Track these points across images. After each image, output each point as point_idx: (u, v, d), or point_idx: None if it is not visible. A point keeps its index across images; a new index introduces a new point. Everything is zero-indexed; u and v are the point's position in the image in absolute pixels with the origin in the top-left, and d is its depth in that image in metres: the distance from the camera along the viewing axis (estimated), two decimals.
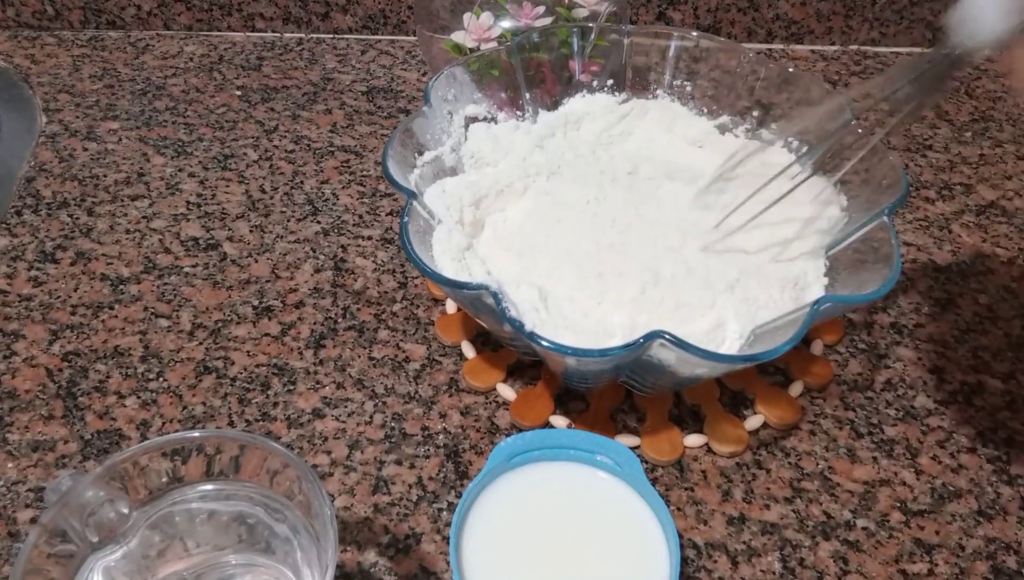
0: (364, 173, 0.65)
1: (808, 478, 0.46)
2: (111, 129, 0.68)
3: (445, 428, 0.48)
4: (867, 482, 0.46)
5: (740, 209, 0.49)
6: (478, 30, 0.59)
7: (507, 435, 0.47)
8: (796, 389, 0.50)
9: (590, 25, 0.57)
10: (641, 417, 0.49)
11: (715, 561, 0.43)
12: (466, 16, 0.59)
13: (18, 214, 0.60)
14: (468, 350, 0.52)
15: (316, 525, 0.33)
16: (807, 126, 0.52)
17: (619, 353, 0.40)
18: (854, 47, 0.80)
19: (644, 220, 0.51)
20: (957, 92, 0.74)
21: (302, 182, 0.63)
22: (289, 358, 0.51)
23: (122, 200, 0.62)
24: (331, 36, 0.79)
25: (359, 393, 0.50)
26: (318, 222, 0.60)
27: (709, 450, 0.47)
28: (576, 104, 0.58)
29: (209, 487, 0.36)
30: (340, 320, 0.54)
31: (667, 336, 0.39)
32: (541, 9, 0.59)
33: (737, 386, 0.50)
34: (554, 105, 0.58)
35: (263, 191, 0.63)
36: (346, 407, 0.49)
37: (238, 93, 0.72)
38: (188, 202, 0.62)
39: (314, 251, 0.58)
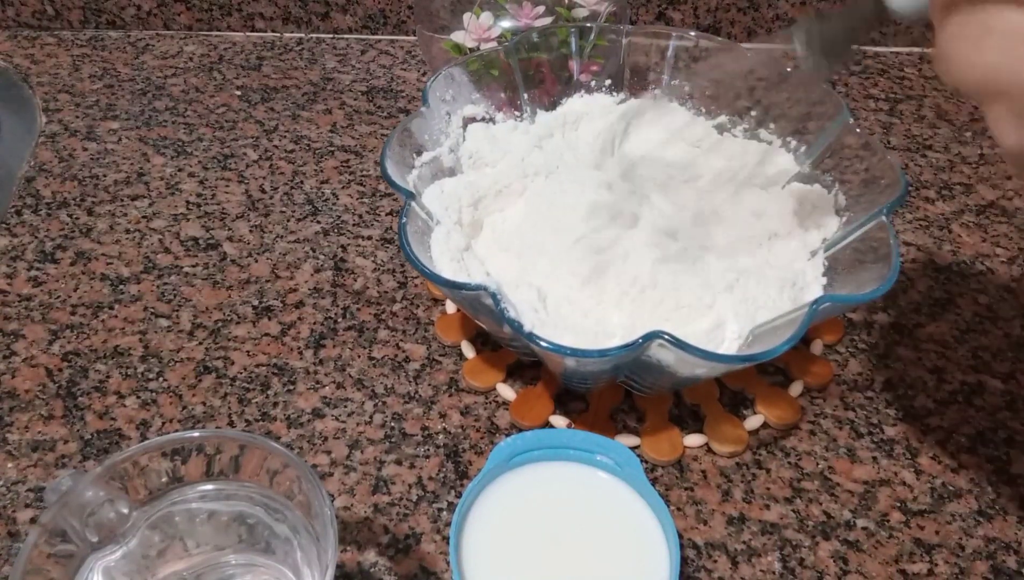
0: (364, 173, 0.65)
1: (808, 478, 0.46)
2: (111, 129, 0.68)
3: (445, 428, 0.48)
4: (867, 482, 0.46)
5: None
6: (478, 30, 0.59)
7: (507, 435, 0.47)
8: (796, 389, 0.50)
9: (589, 25, 0.57)
10: (641, 417, 0.49)
11: (715, 561, 0.43)
12: (466, 16, 0.59)
13: (18, 214, 0.60)
14: (468, 350, 0.52)
15: (316, 525, 0.33)
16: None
17: (618, 353, 0.40)
18: (854, 47, 0.80)
19: (643, 220, 0.51)
20: (957, 91, 0.74)
21: (302, 182, 0.63)
22: (289, 358, 0.51)
23: (122, 200, 0.62)
24: (331, 36, 0.79)
25: (359, 393, 0.50)
26: (318, 222, 0.60)
27: (709, 450, 0.47)
28: (574, 104, 0.58)
29: (209, 487, 0.36)
30: (340, 320, 0.54)
31: (666, 336, 0.39)
32: (541, 9, 0.59)
33: (737, 386, 0.50)
34: (552, 105, 0.58)
35: (263, 191, 0.63)
36: (346, 407, 0.49)
37: (238, 93, 0.72)
38: (188, 202, 0.62)
39: (314, 251, 0.58)
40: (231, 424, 0.48)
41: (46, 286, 0.55)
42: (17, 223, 0.60)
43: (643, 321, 0.45)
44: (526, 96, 0.57)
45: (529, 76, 0.57)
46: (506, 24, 0.59)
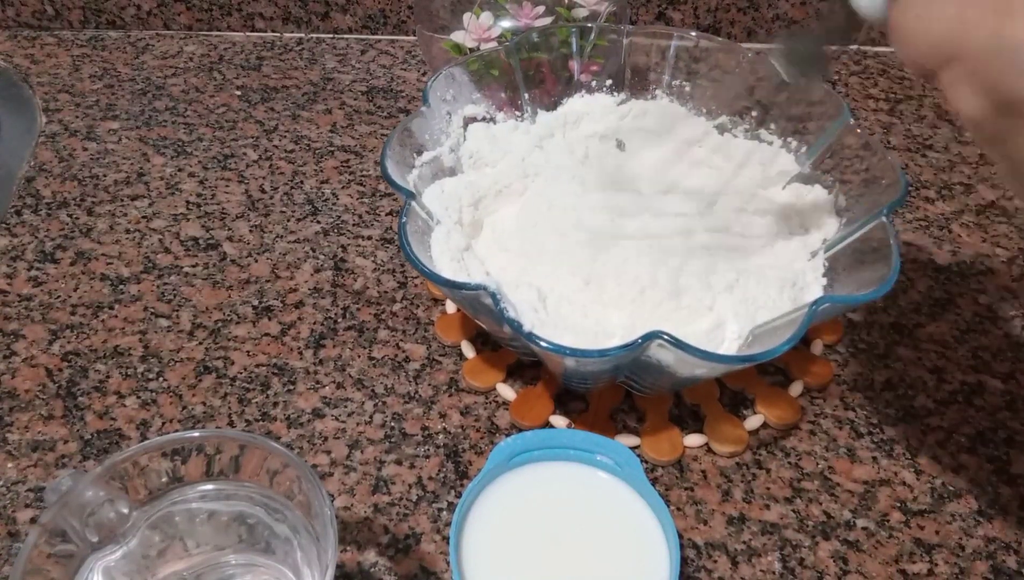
0: (364, 173, 0.65)
1: (808, 478, 0.46)
2: (111, 129, 0.68)
3: (445, 428, 0.48)
4: (867, 482, 0.46)
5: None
6: (478, 30, 0.59)
7: (507, 435, 0.47)
8: (796, 389, 0.50)
9: (590, 25, 0.57)
10: (641, 417, 0.49)
11: (715, 561, 0.43)
12: (466, 16, 0.59)
13: (18, 214, 0.60)
14: (468, 350, 0.52)
15: (316, 525, 0.33)
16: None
17: (617, 353, 0.40)
18: (854, 47, 0.80)
19: (643, 220, 0.51)
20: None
21: (302, 182, 0.63)
22: (289, 358, 0.51)
23: (122, 200, 0.62)
24: (331, 36, 0.79)
25: (359, 393, 0.50)
26: (318, 222, 0.60)
27: (709, 450, 0.47)
28: (575, 104, 0.58)
29: (209, 487, 0.36)
30: (340, 320, 0.54)
31: (665, 336, 0.39)
32: (541, 9, 0.59)
33: (737, 386, 0.50)
34: (553, 105, 0.58)
35: (263, 191, 0.63)
36: (346, 407, 0.49)
37: (238, 93, 0.72)
38: (188, 202, 0.62)
39: (314, 251, 0.58)
40: (231, 424, 0.48)
41: (46, 286, 0.55)
42: (17, 223, 0.60)
43: (643, 321, 0.45)
44: (527, 96, 0.57)
45: (529, 76, 0.57)
46: (506, 24, 0.59)
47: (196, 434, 0.35)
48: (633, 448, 0.46)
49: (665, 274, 0.47)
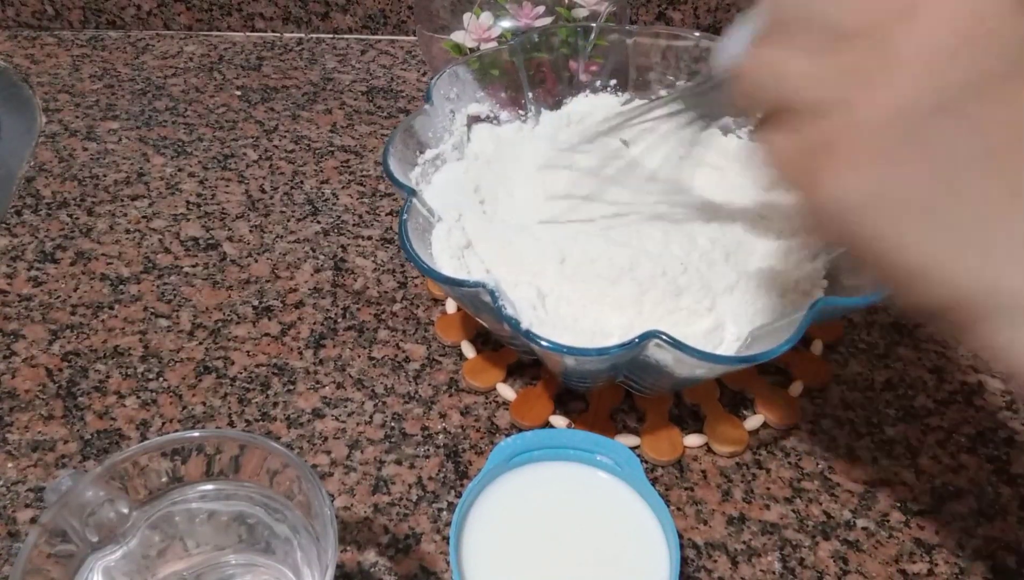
0: (364, 173, 0.65)
1: (808, 478, 0.46)
2: (111, 129, 0.68)
3: (445, 428, 0.48)
4: (867, 482, 0.46)
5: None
6: (478, 30, 0.59)
7: (507, 435, 0.47)
8: (796, 389, 0.50)
9: (592, 25, 0.57)
10: (641, 417, 0.49)
11: (715, 561, 0.43)
12: (466, 16, 0.59)
13: (18, 214, 0.60)
14: (468, 350, 0.52)
15: (316, 525, 0.33)
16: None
17: (615, 353, 0.40)
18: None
19: (644, 221, 0.51)
20: None
21: (302, 182, 0.63)
22: (289, 358, 0.51)
23: (122, 200, 0.62)
24: (331, 36, 0.79)
25: (359, 393, 0.50)
26: (318, 222, 0.60)
27: (709, 450, 0.47)
28: (579, 104, 0.58)
29: (209, 487, 0.36)
30: (340, 320, 0.54)
31: (663, 336, 0.39)
32: (541, 9, 0.59)
33: (737, 386, 0.50)
34: (556, 105, 0.58)
35: (263, 191, 0.63)
36: (346, 407, 0.49)
37: (238, 93, 0.72)
38: (188, 202, 0.62)
39: (314, 251, 0.58)
40: (231, 424, 0.48)
41: (46, 286, 0.55)
42: (17, 223, 0.60)
43: (642, 322, 0.45)
44: (530, 95, 0.57)
45: (530, 76, 0.57)
46: (506, 24, 0.59)
47: (196, 434, 0.35)
48: (633, 448, 0.46)
49: (665, 275, 0.47)
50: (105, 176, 0.64)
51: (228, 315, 0.54)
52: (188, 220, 0.60)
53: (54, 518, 0.32)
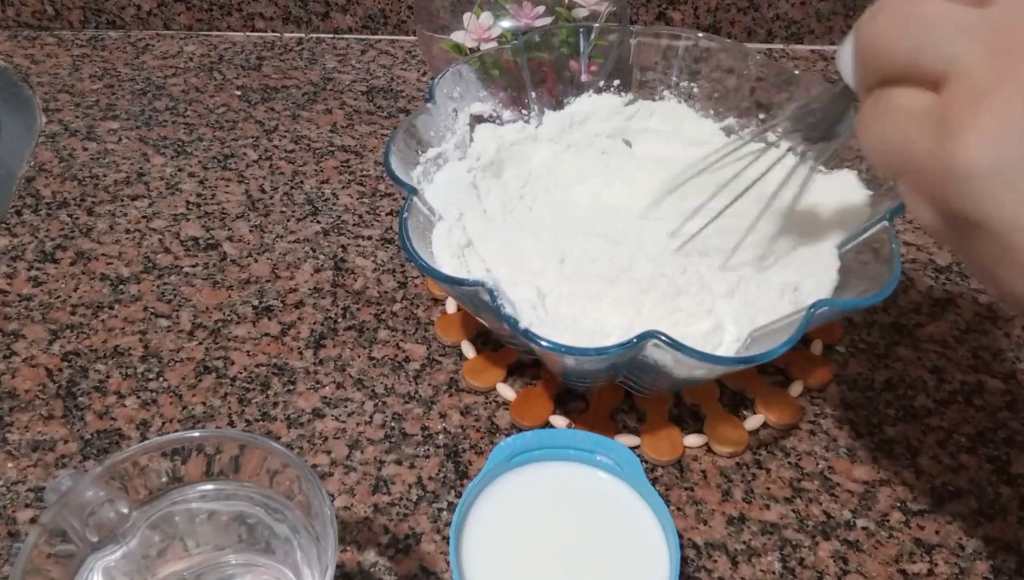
0: (364, 173, 0.65)
1: (808, 478, 0.46)
2: (111, 129, 0.68)
3: (445, 428, 0.48)
4: (867, 482, 0.46)
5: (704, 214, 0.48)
6: (478, 30, 0.59)
7: (507, 435, 0.47)
8: (796, 389, 0.50)
9: (596, 24, 0.57)
10: (641, 417, 0.49)
11: (715, 561, 0.43)
12: (466, 16, 0.59)
13: (18, 214, 0.60)
14: (468, 350, 0.52)
15: (316, 525, 0.33)
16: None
17: (614, 353, 0.40)
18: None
19: (645, 222, 0.51)
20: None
21: (302, 182, 0.63)
22: (289, 358, 0.51)
23: (122, 200, 0.62)
24: (331, 36, 0.79)
25: (359, 393, 0.50)
26: (318, 222, 0.60)
27: (709, 450, 0.47)
28: (582, 104, 0.58)
29: (209, 487, 0.36)
30: (340, 320, 0.54)
31: (662, 337, 0.39)
32: (541, 9, 0.59)
33: (737, 386, 0.50)
34: (559, 105, 0.58)
35: (263, 191, 0.63)
36: (346, 407, 0.49)
37: (238, 93, 0.72)
38: (188, 202, 0.62)
39: (314, 251, 0.58)
40: (231, 424, 0.48)
41: (46, 286, 0.55)
42: (17, 223, 0.60)
43: (641, 322, 0.45)
44: (533, 95, 0.57)
45: (532, 76, 0.57)
46: (506, 24, 0.59)
47: (196, 434, 0.35)
48: (633, 448, 0.46)
49: (665, 277, 0.47)
50: (105, 176, 0.64)
51: (228, 315, 0.54)
52: (188, 220, 0.60)
53: (54, 518, 0.32)
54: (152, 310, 0.54)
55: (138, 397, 0.49)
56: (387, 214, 0.61)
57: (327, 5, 0.77)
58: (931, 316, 0.55)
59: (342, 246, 0.59)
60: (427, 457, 0.47)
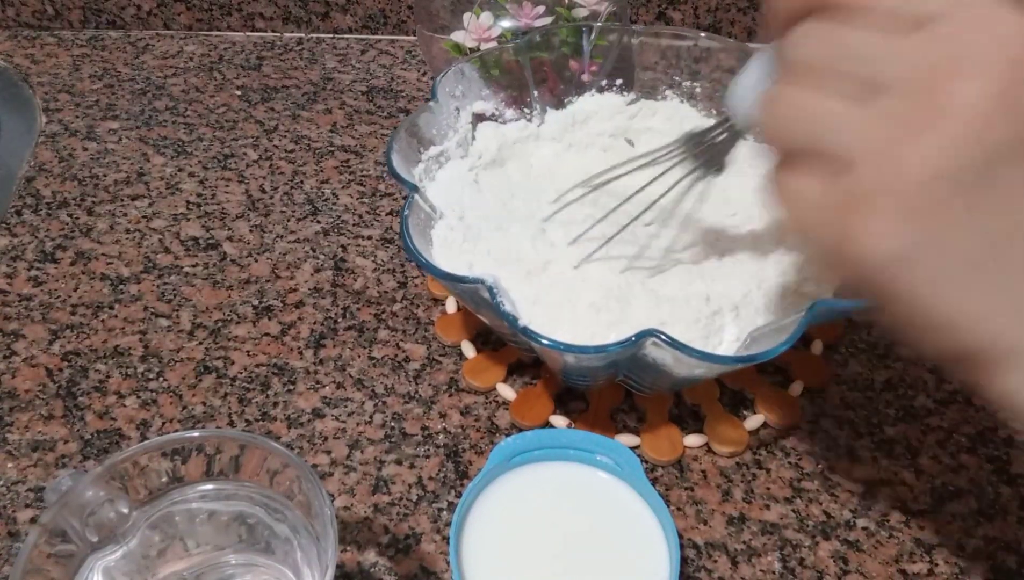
0: (364, 173, 0.65)
1: (808, 478, 0.46)
2: (111, 129, 0.68)
3: (445, 428, 0.48)
4: (867, 482, 0.46)
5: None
6: (478, 30, 0.59)
7: (507, 435, 0.47)
8: (796, 389, 0.50)
9: (595, 24, 0.57)
10: (641, 417, 0.49)
11: (715, 561, 0.43)
12: (466, 16, 0.59)
13: (18, 214, 0.60)
14: (468, 350, 0.52)
15: (316, 525, 0.33)
16: None
17: (613, 350, 0.40)
18: None
19: (646, 222, 0.51)
20: None
21: (302, 182, 0.63)
22: (289, 358, 0.51)
23: (122, 200, 0.62)
24: (331, 36, 0.79)
25: (359, 393, 0.50)
26: (318, 222, 0.60)
27: (709, 450, 0.47)
28: (585, 103, 0.58)
29: (209, 487, 0.36)
30: (340, 320, 0.54)
31: (661, 335, 0.39)
32: (541, 9, 0.59)
33: (737, 386, 0.50)
34: (561, 104, 0.58)
35: (263, 191, 0.63)
36: (346, 407, 0.49)
37: (238, 93, 0.72)
38: (188, 202, 0.62)
39: (314, 251, 0.58)
40: (231, 424, 0.48)
41: (46, 286, 0.55)
42: (17, 223, 0.60)
43: (642, 322, 0.45)
44: (536, 94, 0.57)
45: (532, 75, 0.57)
46: (506, 24, 0.59)
47: (196, 434, 0.35)
48: (633, 448, 0.46)
49: (666, 277, 0.47)
50: (105, 176, 0.64)
51: (228, 315, 0.54)
52: (188, 220, 0.60)
53: (54, 518, 0.32)
54: (152, 310, 0.54)
55: (138, 397, 0.49)
56: (387, 214, 0.61)
57: (327, 5, 0.77)
58: None
59: (342, 246, 0.59)
60: (427, 457, 0.47)
